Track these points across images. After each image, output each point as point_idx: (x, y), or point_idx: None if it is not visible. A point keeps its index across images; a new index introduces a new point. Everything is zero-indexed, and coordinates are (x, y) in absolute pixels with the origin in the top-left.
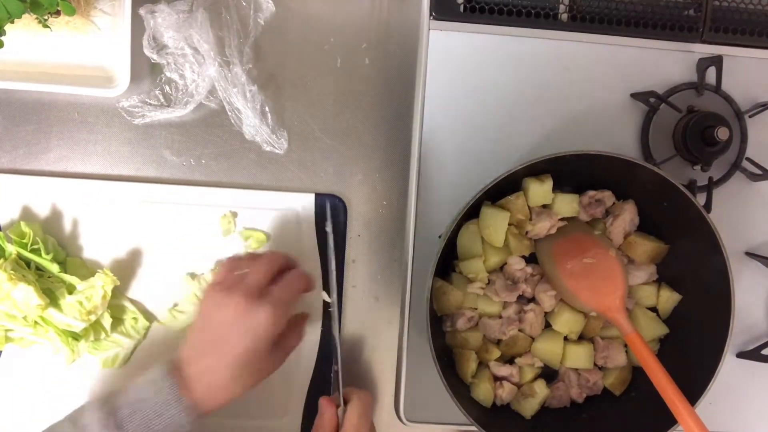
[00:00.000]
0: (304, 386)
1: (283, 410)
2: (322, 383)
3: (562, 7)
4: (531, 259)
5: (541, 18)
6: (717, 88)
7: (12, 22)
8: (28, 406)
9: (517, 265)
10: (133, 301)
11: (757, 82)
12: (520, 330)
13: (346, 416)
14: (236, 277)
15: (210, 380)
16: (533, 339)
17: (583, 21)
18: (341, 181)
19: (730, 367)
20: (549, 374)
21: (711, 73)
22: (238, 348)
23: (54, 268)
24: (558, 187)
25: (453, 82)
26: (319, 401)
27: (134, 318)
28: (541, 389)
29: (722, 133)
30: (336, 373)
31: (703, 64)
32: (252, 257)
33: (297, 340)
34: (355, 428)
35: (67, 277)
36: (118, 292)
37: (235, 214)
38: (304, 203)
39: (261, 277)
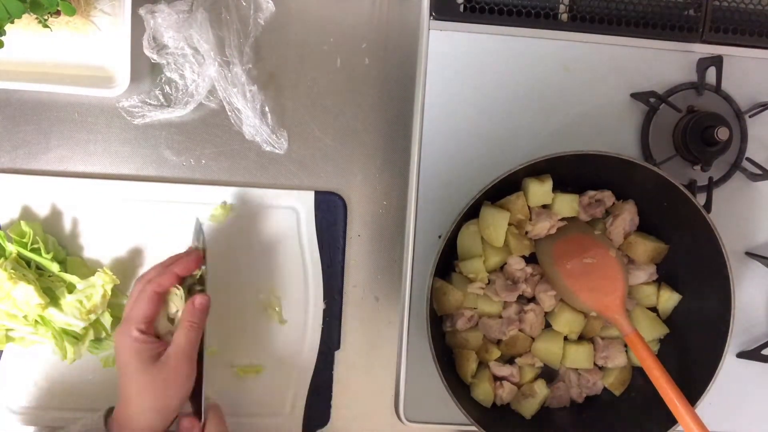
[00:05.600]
0: (305, 384)
1: (285, 407)
2: (323, 380)
3: (562, 7)
4: (531, 259)
5: (541, 18)
6: (717, 88)
7: (12, 22)
8: (28, 406)
9: (517, 265)
10: None
11: (757, 82)
12: (520, 330)
13: (206, 428)
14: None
15: (133, 426)
16: (533, 339)
17: (583, 21)
18: (341, 180)
19: (730, 367)
20: (549, 374)
21: (711, 73)
22: (128, 387)
23: (54, 267)
24: (558, 187)
25: (453, 82)
26: (180, 422)
27: None
28: (541, 389)
29: (722, 133)
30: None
31: (703, 64)
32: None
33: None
34: None
35: (67, 277)
36: (119, 292)
37: (231, 207)
38: (304, 201)
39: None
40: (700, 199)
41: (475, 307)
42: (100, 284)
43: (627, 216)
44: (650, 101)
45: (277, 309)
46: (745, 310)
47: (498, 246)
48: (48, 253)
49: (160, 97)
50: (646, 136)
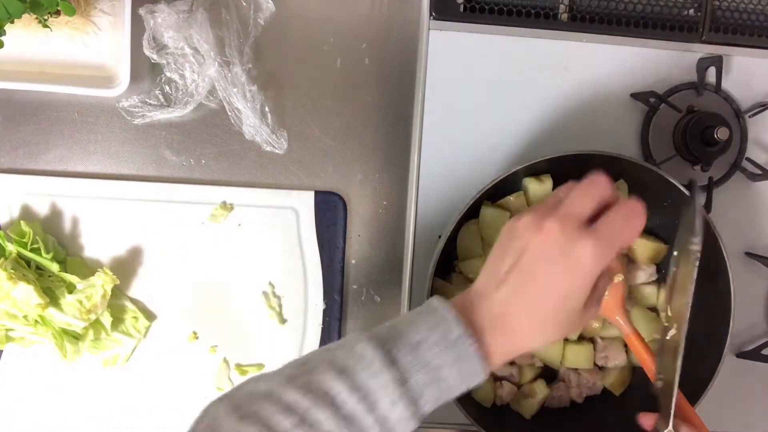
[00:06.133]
0: None
1: None
2: None
3: (562, 7)
4: None
5: (541, 18)
6: (717, 88)
7: (12, 22)
8: (28, 406)
9: None
10: (133, 300)
11: (757, 82)
12: None
13: None
14: (549, 204)
15: (511, 324)
16: None
17: (583, 21)
18: (341, 180)
19: (730, 367)
20: (549, 374)
21: (711, 73)
22: (550, 286)
23: (54, 267)
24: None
25: (453, 82)
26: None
27: (134, 317)
28: (541, 389)
29: (722, 133)
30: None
31: (703, 64)
32: (568, 187)
33: (605, 285)
34: None
35: (67, 276)
36: (119, 292)
37: (231, 207)
38: (304, 201)
39: (581, 205)
40: (700, 199)
41: None
42: (100, 284)
43: None
44: (650, 101)
45: (277, 309)
46: (745, 310)
47: None
48: (48, 253)
49: (160, 97)
50: (646, 136)
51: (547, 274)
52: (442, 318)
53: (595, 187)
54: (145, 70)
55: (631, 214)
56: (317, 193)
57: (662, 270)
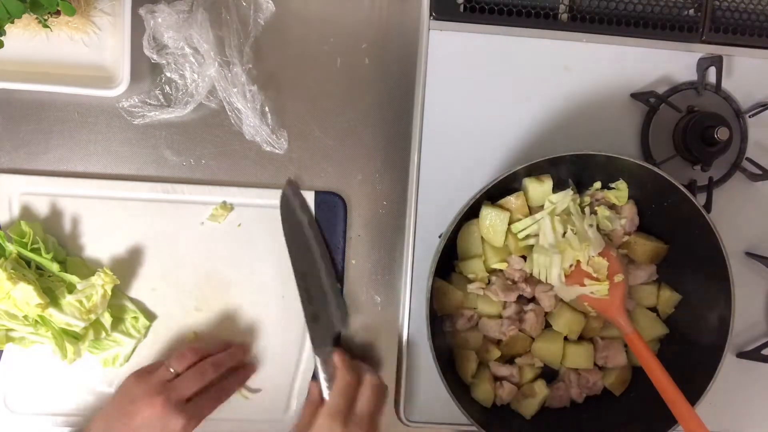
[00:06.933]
0: (305, 384)
1: (285, 407)
2: None
3: (562, 7)
4: None
5: (541, 18)
6: (717, 88)
7: (12, 22)
8: (28, 406)
9: (517, 265)
10: (133, 301)
11: (757, 82)
12: (520, 330)
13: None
14: (165, 375)
15: None
16: (533, 339)
17: (583, 21)
18: (341, 180)
19: (730, 367)
20: (549, 374)
21: (711, 73)
22: None
23: (54, 267)
24: (558, 187)
25: (453, 82)
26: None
27: (134, 317)
28: (541, 389)
29: (722, 133)
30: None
31: (703, 64)
32: (192, 356)
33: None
34: (332, 408)
35: (67, 277)
36: (119, 292)
37: (231, 207)
38: None
39: (190, 385)
40: (700, 199)
41: (475, 307)
42: (100, 284)
43: (627, 216)
44: (650, 101)
45: (276, 309)
46: (745, 310)
47: (498, 246)
48: (48, 253)
49: (160, 97)
50: (646, 136)
51: None
52: None
53: (205, 372)
54: (145, 70)
55: (222, 393)
56: (317, 193)
57: (662, 270)
